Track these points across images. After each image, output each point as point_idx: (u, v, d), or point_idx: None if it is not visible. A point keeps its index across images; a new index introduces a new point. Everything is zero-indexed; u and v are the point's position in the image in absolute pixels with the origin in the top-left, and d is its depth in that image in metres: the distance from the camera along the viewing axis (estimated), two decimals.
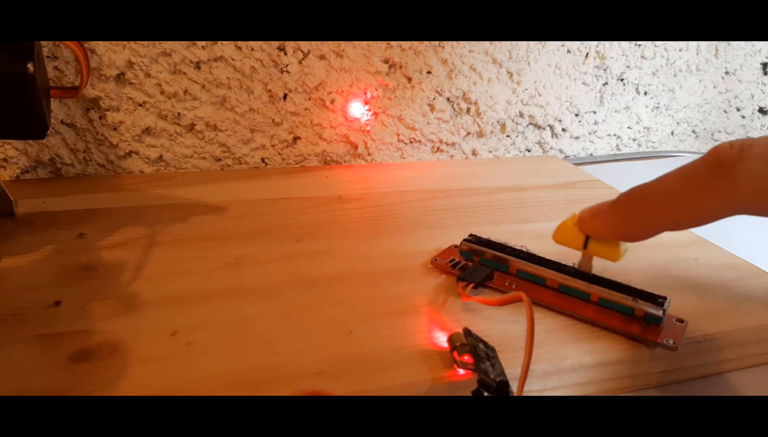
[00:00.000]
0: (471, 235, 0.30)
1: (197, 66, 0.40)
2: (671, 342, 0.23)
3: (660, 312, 0.24)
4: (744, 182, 0.20)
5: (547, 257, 0.28)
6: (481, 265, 0.29)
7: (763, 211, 0.20)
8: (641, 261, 0.32)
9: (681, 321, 0.25)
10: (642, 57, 0.53)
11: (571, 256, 0.28)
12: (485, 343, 0.22)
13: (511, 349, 0.23)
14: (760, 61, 0.59)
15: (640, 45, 0.53)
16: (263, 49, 0.40)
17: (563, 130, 0.54)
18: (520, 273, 0.28)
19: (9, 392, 0.20)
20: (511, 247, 0.29)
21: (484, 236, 0.30)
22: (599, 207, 0.24)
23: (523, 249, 0.29)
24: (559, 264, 0.28)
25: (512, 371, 0.21)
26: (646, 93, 0.56)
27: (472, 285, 0.27)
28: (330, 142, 0.45)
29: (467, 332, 0.22)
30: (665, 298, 0.25)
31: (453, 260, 0.30)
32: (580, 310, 0.26)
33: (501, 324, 0.25)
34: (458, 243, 0.31)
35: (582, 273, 0.27)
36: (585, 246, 0.25)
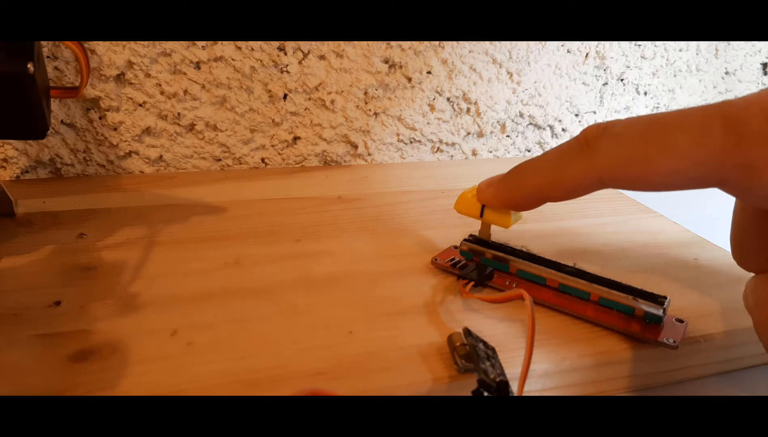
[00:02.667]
0: (471, 235, 0.30)
1: (197, 66, 0.40)
2: (672, 340, 0.23)
3: (660, 312, 0.24)
4: (603, 158, 0.22)
5: (547, 257, 0.28)
6: (481, 265, 0.29)
7: (620, 183, 0.22)
8: (641, 261, 0.32)
9: (681, 321, 0.25)
10: (642, 57, 0.53)
11: (571, 256, 0.28)
12: (485, 343, 0.22)
13: (511, 349, 0.23)
14: (760, 61, 0.59)
15: (640, 45, 0.53)
16: (263, 49, 0.40)
17: (563, 130, 0.54)
18: (520, 272, 0.28)
19: (9, 392, 0.20)
20: (511, 247, 0.29)
21: None
22: (493, 179, 0.27)
23: (524, 249, 0.29)
24: (559, 263, 0.28)
25: (512, 371, 0.21)
26: (646, 93, 0.56)
27: (472, 283, 0.27)
28: (330, 142, 0.45)
29: (467, 332, 0.22)
30: (665, 298, 0.25)
31: (453, 259, 0.30)
32: (580, 309, 0.26)
33: (501, 324, 0.25)
34: (458, 244, 0.31)
35: (582, 272, 0.27)
36: (481, 215, 0.27)
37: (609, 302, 0.26)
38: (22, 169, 0.39)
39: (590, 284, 0.26)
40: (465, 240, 0.30)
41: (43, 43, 0.35)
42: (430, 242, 0.32)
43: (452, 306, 0.26)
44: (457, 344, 0.22)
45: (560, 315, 0.26)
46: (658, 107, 0.57)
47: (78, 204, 0.35)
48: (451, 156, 0.50)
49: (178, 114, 0.41)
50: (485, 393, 0.19)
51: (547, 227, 0.36)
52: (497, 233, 0.31)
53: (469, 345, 0.22)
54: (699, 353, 0.25)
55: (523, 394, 0.20)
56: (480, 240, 0.30)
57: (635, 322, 0.25)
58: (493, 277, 0.28)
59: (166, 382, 0.20)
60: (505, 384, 0.19)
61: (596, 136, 0.22)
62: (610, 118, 0.55)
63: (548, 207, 0.39)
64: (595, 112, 0.54)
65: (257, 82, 0.41)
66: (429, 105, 0.47)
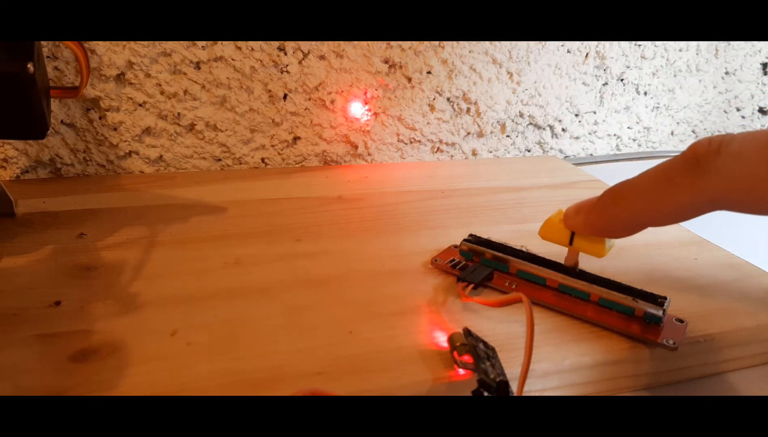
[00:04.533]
0: (471, 235, 0.30)
1: (197, 66, 0.40)
2: (671, 342, 0.23)
3: (660, 312, 0.24)
4: (719, 178, 0.20)
5: (547, 257, 0.28)
6: (481, 265, 0.29)
7: (738, 206, 0.20)
8: (641, 261, 0.32)
9: (681, 321, 0.25)
10: (642, 57, 0.53)
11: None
12: (485, 343, 0.22)
13: (511, 349, 0.23)
14: (760, 61, 0.59)
15: (640, 45, 0.53)
16: (263, 49, 0.40)
17: (563, 130, 0.54)
18: (520, 273, 0.28)
19: (9, 392, 0.20)
20: (511, 247, 0.29)
21: (484, 236, 0.30)
22: (584, 203, 0.25)
23: (523, 249, 0.29)
24: (559, 264, 0.28)
25: (512, 371, 0.21)
26: (646, 93, 0.56)
27: (471, 285, 0.27)
28: (330, 142, 0.45)
29: (467, 332, 0.22)
30: (665, 298, 0.25)
31: (453, 260, 0.30)
32: (580, 310, 0.26)
33: (501, 324, 0.25)
34: (458, 244, 0.31)
35: (582, 273, 0.27)
36: (571, 243, 0.26)
37: (609, 303, 0.26)
38: (22, 168, 0.39)
39: (590, 284, 0.26)
40: (465, 240, 0.30)
41: (43, 43, 0.35)
42: (430, 242, 0.32)
43: (452, 307, 0.26)
44: (458, 344, 0.22)
45: (560, 315, 0.26)
46: (657, 107, 0.57)
47: (78, 204, 0.35)
48: (451, 156, 0.50)
49: (178, 114, 0.41)
50: (485, 393, 0.19)
51: None
52: (497, 233, 0.31)
53: (469, 345, 0.22)
54: (699, 353, 0.25)
55: (523, 394, 0.20)
56: (480, 240, 0.30)
57: (635, 323, 0.25)
58: (492, 278, 0.28)
59: (166, 382, 0.20)
60: (505, 384, 0.19)
61: (709, 154, 0.20)
62: (609, 118, 0.55)
63: (549, 207, 0.39)
64: (595, 112, 0.54)
65: (257, 82, 0.41)
66: (429, 105, 0.47)
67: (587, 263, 0.28)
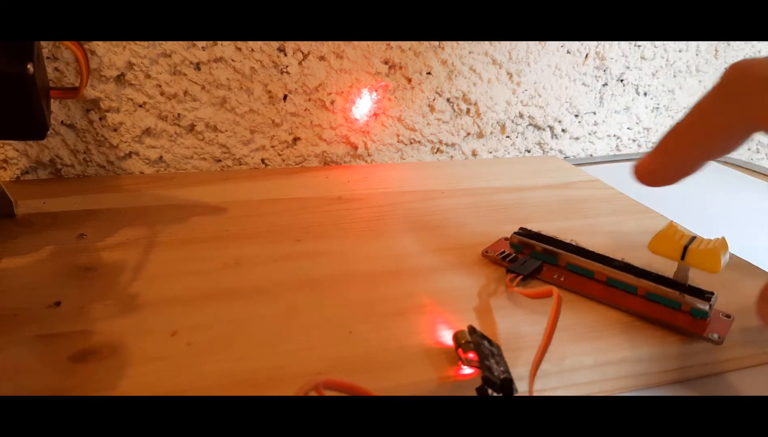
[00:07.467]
0: (522, 228, 0.31)
1: (197, 67, 0.40)
2: (716, 336, 0.24)
3: (706, 307, 0.25)
4: (746, 104, 0.19)
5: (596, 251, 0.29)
6: (531, 258, 0.29)
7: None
8: (641, 261, 0.32)
9: (728, 316, 0.26)
10: (642, 58, 0.54)
11: (618, 251, 0.29)
12: (490, 341, 0.22)
13: (514, 348, 0.23)
14: None
15: (639, 46, 0.53)
16: (263, 50, 0.40)
17: (563, 130, 0.54)
18: (569, 266, 0.29)
19: (9, 392, 0.20)
20: (561, 241, 0.30)
21: (484, 237, 0.30)
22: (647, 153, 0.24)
23: (573, 242, 0.30)
24: (608, 257, 0.28)
25: (516, 369, 0.21)
26: (645, 94, 0.56)
27: (520, 277, 0.28)
28: (330, 143, 0.45)
29: (471, 330, 0.22)
30: (712, 294, 0.26)
31: (503, 252, 0.30)
32: (628, 303, 0.26)
33: (506, 323, 0.25)
34: (508, 236, 0.31)
35: (630, 266, 0.27)
36: (683, 258, 0.26)
37: (656, 296, 0.26)
38: (23, 169, 0.39)
39: (638, 278, 0.27)
40: (515, 233, 0.31)
41: (43, 43, 0.35)
42: (430, 242, 0.32)
43: (453, 306, 0.26)
44: (462, 341, 0.22)
45: (559, 314, 0.26)
46: (657, 108, 0.57)
47: (78, 204, 0.35)
48: (451, 156, 0.50)
49: (178, 115, 0.41)
50: (489, 391, 0.19)
51: (547, 227, 0.36)
52: (498, 233, 0.31)
53: (474, 342, 0.22)
54: (699, 353, 0.25)
55: (533, 391, 0.20)
56: (531, 233, 0.30)
57: (682, 316, 0.25)
58: (542, 270, 0.29)
59: (166, 382, 0.20)
60: (509, 381, 0.19)
61: (731, 80, 0.20)
62: (609, 119, 0.55)
63: (549, 207, 0.39)
64: (594, 113, 0.54)
65: (257, 83, 0.41)
66: (429, 106, 0.47)
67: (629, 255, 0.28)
